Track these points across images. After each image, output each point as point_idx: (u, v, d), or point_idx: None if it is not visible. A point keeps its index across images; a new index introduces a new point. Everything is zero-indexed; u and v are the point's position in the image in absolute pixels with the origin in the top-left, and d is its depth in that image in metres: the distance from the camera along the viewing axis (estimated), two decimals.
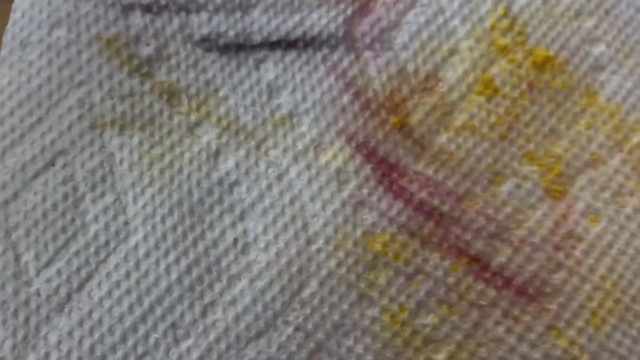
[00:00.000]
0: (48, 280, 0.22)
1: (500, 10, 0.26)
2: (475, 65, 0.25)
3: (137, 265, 0.23)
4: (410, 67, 0.25)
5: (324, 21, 0.25)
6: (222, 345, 0.22)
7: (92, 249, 0.23)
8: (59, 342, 0.22)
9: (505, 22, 0.26)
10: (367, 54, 0.25)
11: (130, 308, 0.22)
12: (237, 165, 0.24)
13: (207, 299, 0.23)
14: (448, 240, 0.23)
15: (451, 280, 0.23)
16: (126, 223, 0.23)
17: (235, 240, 0.23)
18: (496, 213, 0.24)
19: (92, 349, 0.22)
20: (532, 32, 0.26)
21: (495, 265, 0.23)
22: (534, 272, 0.23)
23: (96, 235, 0.23)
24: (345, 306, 0.23)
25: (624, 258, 0.24)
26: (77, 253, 0.22)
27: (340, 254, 0.23)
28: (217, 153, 0.24)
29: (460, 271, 0.23)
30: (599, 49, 0.26)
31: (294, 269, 0.23)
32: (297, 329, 0.22)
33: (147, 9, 0.25)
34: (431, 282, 0.23)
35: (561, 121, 0.25)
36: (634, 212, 0.24)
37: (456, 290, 0.23)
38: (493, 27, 0.26)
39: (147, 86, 0.24)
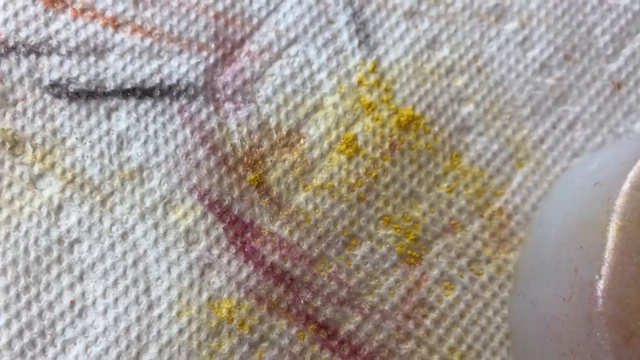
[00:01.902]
0: None
1: (369, 64, 0.25)
2: (339, 123, 0.25)
3: None
4: (272, 122, 0.24)
5: (183, 69, 0.24)
6: None
7: None
8: None
9: (372, 78, 0.25)
10: (228, 106, 0.24)
11: None
12: (79, 221, 0.23)
13: None
14: (297, 306, 0.23)
15: (297, 348, 0.22)
16: None
17: (72, 303, 0.22)
18: (348, 278, 0.23)
19: None
20: (399, 90, 0.25)
21: (343, 333, 0.23)
22: (382, 342, 0.23)
23: None
24: None
25: (475, 329, 0.23)
26: None
27: (183, 320, 0.22)
28: (59, 208, 0.23)
29: (306, 339, 0.23)
30: (467, 109, 0.25)
31: (133, 335, 0.22)
32: None
33: None
34: (276, 351, 0.22)
35: (422, 184, 0.24)
36: (490, 281, 0.24)
37: (301, 359, 0.22)
38: (360, 83, 0.25)
39: None
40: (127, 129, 0.24)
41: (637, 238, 0.19)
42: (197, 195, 0.23)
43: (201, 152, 0.24)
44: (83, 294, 0.22)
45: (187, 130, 0.24)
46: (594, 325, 0.19)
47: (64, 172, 0.23)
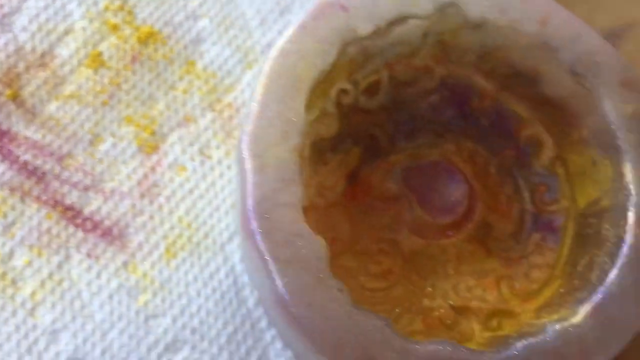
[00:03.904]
0: None
1: None
2: (87, 42, 0.29)
3: None
4: (28, 47, 0.29)
5: None
6: None
7: None
8: None
9: (117, 3, 0.29)
10: None
11: None
12: None
13: None
14: (47, 194, 0.27)
15: (44, 226, 0.26)
16: None
17: None
18: (93, 169, 0.27)
19: None
20: (140, 12, 0.29)
21: (87, 213, 0.27)
22: (119, 217, 0.27)
23: None
24: None
25: (202, 201, 0.27)
26: None
27: None
28: None
29: (54, 219, 0.27)
30: (202, 23, 0.30)
31: None
32: None
33: None
34: (26, 229, 0.26)
35: (159, 88, 0.29)
36: (218, 163, 0.28)
37: (48, 235, 0.26)
38: (107, 9, 0.29)
39: None
40: None
41: (275, 91, 0.23)
42: None
43: None
44: None
45: None
46: (243, 161, 0.23)
47: None
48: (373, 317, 0.22)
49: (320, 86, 0.25)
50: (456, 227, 0.27)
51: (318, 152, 0.26)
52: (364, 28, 0.24)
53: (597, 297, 0.22)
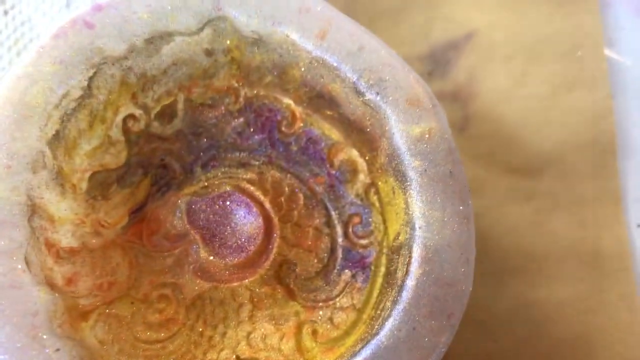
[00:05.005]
0: None
1: None
2: None
3: None
4: None
5: None
6: None
7: None
8: None
9: None
10: None
11: None
12: None
13: None
14: None
15: None
16: None
17: None
18: None
19: None
20: None
21: None
22: None
23: None
24: None
25: None
26: None
27: None
28: None
29: None
30: None
31: None
32: None
33: None
34: None
35: None
36: None
37: None
38: None
39: None
40: None
41: None
42: None
43: None
44: None
45: None
46: None
47: None
48: None
49: (87, 112, 0.22)
50: (249, 267, 0.24)
51: (100, 185, 0.23)
52: (115, 47, 0.21)
53: (366, 351, 0.19)
